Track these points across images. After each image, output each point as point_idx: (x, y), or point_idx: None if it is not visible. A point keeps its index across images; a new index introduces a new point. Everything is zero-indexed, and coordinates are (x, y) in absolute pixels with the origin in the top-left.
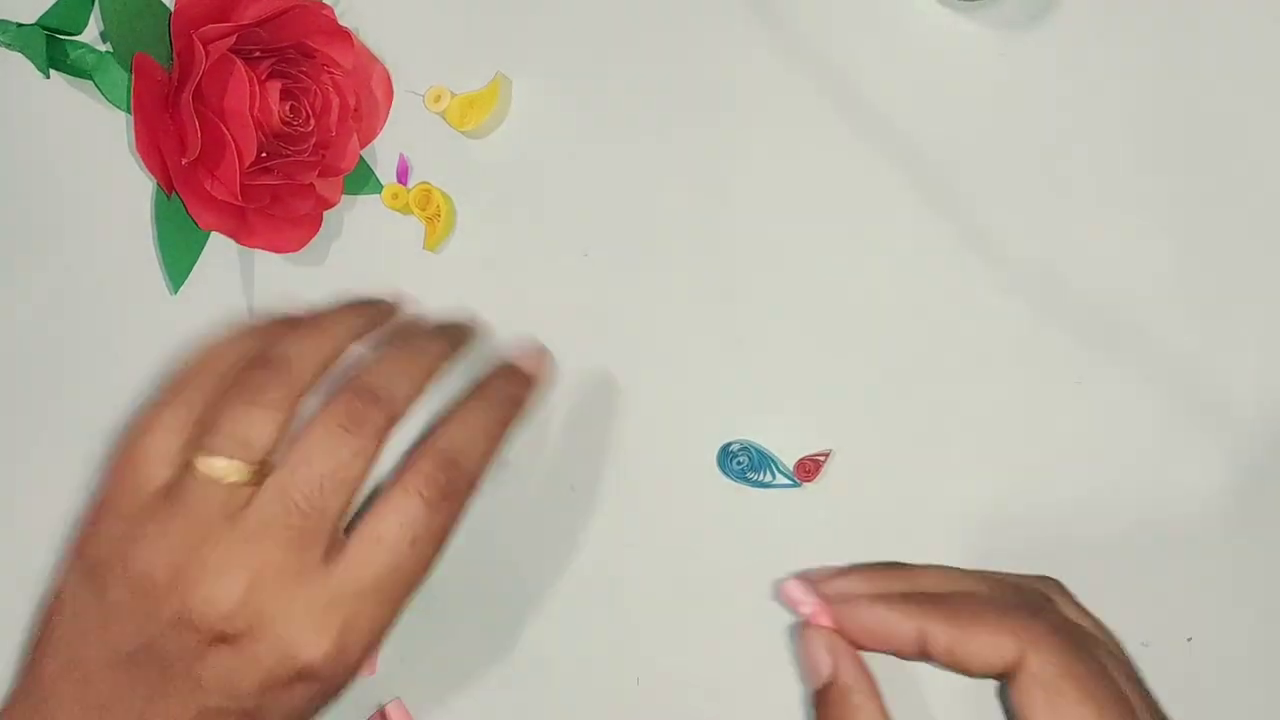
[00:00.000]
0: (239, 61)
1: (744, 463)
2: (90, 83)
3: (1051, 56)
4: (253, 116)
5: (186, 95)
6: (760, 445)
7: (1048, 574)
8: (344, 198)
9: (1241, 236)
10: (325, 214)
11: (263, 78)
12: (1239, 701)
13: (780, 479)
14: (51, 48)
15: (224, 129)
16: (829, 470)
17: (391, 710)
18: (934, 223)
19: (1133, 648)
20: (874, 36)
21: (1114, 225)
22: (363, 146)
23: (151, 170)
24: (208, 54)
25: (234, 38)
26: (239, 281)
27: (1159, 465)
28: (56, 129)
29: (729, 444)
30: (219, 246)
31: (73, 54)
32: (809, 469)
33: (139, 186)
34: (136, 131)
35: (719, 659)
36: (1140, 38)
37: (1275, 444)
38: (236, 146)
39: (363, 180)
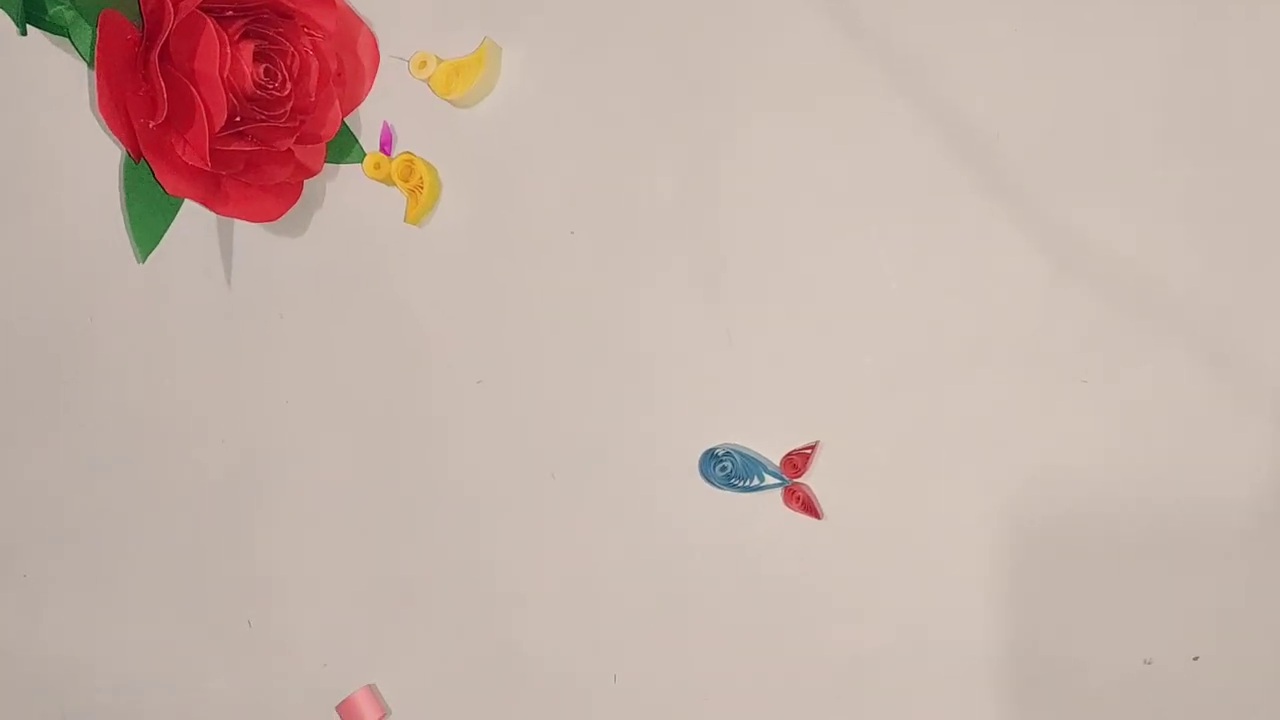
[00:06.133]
0: (209, 20)
1: (728, 468)
2: (69, 40)
3: (1065, 41)
4: (223, 79)
5: (154, 55)
6: (744, 449)
7: (1047, 583)
8: (327, 167)
9: (1263, 231)
10: (306, 183)
11: (235, 38)
12: None
13: (769, 480)
14: (29, 4)
15: (193, 90)
16: (816, 470)
17: (359, 697)
18: (936, 211)
19: (1136, 665)
20: (873, 16)
21: (1128, 215)
22: (346, 113)
23: (115, 132)
24: (176, 11)
25: None
26: (217, 251)
27: (1170, 472)
28: (32, 88)
29: (713, 449)
30: (194, 216)
31: (50, 10)
32: (797, 464)
33: (112, 149)
34: (100, 92)
35: (696, 657)
36: (1162, 24)
37: None
38: (206, 109)
39: (345, 148)
